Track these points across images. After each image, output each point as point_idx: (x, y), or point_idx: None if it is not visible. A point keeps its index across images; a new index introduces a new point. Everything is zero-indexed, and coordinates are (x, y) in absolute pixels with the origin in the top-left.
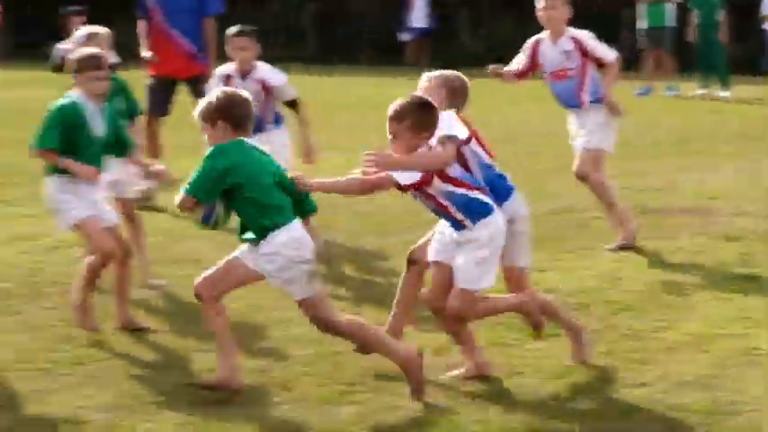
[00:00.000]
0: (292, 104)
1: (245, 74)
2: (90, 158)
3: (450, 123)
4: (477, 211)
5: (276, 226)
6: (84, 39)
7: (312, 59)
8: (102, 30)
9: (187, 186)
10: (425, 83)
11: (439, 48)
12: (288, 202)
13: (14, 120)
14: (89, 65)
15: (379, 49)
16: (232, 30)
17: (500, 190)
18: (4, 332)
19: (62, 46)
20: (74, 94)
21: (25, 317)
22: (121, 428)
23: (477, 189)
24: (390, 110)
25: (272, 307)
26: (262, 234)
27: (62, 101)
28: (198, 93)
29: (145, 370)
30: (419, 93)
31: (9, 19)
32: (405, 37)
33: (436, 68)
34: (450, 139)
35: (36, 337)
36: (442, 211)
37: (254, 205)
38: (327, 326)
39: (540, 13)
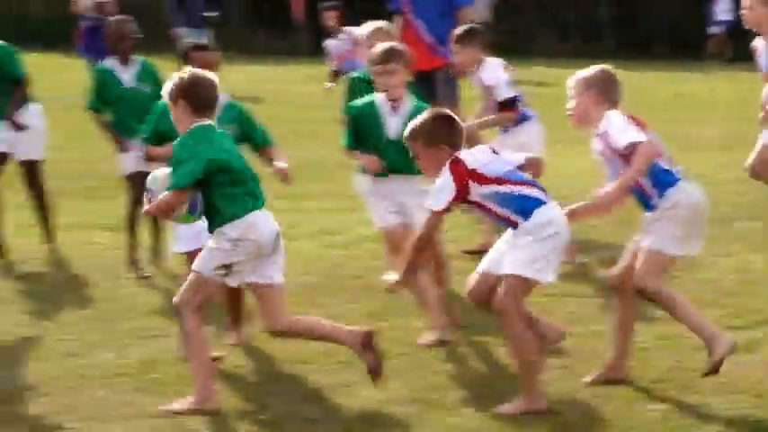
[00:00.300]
0: (502, 107)
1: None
2: (388, 158)
3: (621, 127)
4: (527, 208)
5: (240, 214)
6: (369, 34)
7: (610, 54)
8: (385, 24)
9: (173, 183)
10: (572, 88)
11: (738, 43)
12: (253, 189)
13: (312, 114)
14: (381, 59)
15: (677, 43)
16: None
17: (663, 181)
18: None
19: (331, 42)
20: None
21: (328, 310)
22: (425, 422)
23: (524, 184)
24: (406, 131)
25: (575, 303)
26: (227, 219)
27: (359, 100)
28: (438, 86)
29: (447, 364)
30: (570, 100)
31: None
32: (713, 30)
33: (737, 62)
34: (635, 145)
35: None
36: (491, 215)
37: (225, 191)
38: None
39: (743, 13)
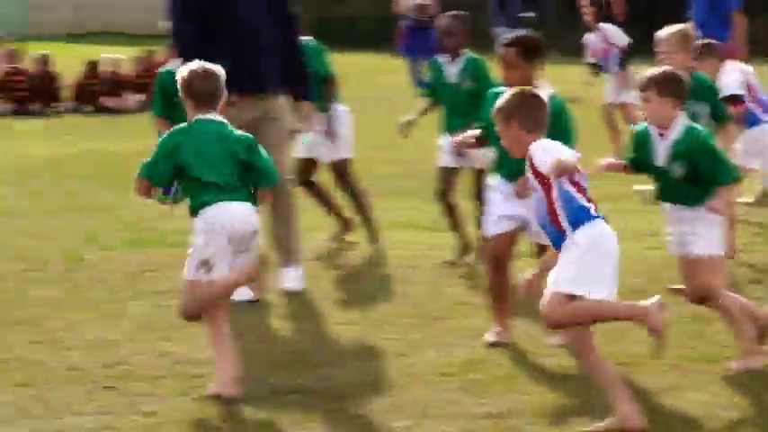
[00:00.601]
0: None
1: None
2: (658, 186)
3: None
4: (580, 219)
5: (210, 202)
6: (666, 38)
7: None
8: (683, 28)
9: (139, 170)
10: None
11: None
12: (229, 183)
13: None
14: (638, 86)
15: None
16: None
17: None
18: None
19: (589, 36)
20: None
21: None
22: (751, 428)
23: (589, 201)
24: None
25: None
26: (196, 209)
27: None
28: None
29: None
30: None
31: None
32: None
33: None
34: None
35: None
36: (548, 217)
37: (195, 182)
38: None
39: None
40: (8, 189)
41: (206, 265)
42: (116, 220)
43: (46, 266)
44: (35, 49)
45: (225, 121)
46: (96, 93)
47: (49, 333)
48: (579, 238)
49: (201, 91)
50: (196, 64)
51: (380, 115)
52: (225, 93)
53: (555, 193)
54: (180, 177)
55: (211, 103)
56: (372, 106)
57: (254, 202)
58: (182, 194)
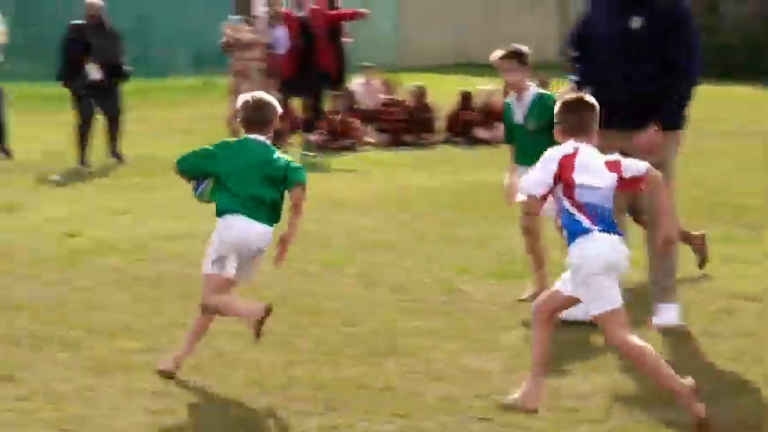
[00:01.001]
0: None
1: None
2: None
3: None
4: (576, 233)
5: (231, 211)
6: None
7: None
8: None
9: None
10: None
11: None
12: (254, 199)
13: None
14: None
15: None
16: None
17: None
18: None
19: None
20: None
21: None
22: None
23: (583, 210)
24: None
25: None
26: (220, 213)
27: None
28: None
29: None
30: None
31: None
32: None
33: None
34: None
35: None
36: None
37: (225, 190)
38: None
39: None
40: (382, 220)
41: (222, 261)
42: (488, 250)
43: (421, 297)
44: (407, 81)
45: (267, 142)
46: (469, 124)
47: (425, 363)
48: (571, 254)
49: (252, 118)
50: (251, 94)
51: (752, 146)
52: (276, 118)
53: (558, 209)
54: (214, 181)
55: (259, 127)
56: (743, 140)
57: (276, 220)
58: (209, 196)
